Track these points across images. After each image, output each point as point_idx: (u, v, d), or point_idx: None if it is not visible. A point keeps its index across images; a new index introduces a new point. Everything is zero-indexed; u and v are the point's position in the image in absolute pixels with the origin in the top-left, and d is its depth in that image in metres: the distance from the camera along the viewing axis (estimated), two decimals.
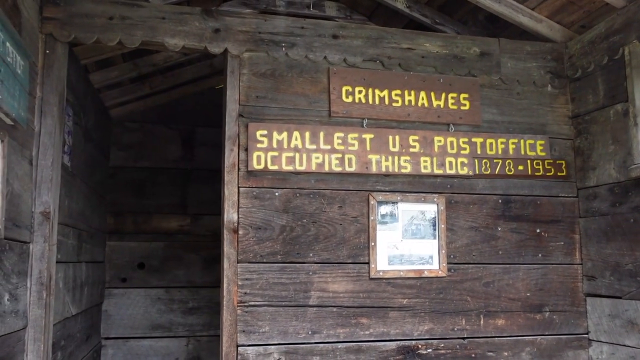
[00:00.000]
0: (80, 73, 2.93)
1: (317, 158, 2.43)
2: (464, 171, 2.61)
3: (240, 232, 2.30)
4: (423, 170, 2.56)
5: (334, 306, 2.39)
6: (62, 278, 2.51)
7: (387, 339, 2.45)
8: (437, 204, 2.59)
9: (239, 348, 2.23)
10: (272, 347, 2.28)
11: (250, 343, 2.25)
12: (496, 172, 2.66)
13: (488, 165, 2.66)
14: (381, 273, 2.47)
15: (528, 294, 2.65)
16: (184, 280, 4.01)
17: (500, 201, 2.68)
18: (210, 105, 3.92)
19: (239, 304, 2.25)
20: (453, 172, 2.60)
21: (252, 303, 2.27)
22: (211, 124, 3.99)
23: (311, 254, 2.40)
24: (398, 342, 2.46)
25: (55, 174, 2.15)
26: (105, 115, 3.78)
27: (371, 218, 2.48)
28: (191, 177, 4.13)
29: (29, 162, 2.02)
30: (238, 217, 2.31)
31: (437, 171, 2.58)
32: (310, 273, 2.39)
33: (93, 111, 3.28)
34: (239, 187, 2.33)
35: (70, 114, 2.65)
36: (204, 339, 3.99)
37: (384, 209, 2.53)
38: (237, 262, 2.27)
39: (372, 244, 2.46)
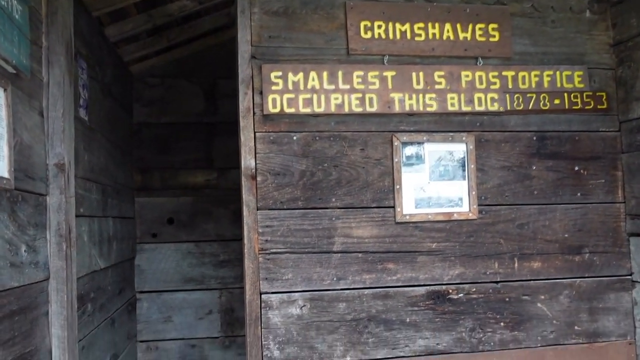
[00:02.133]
0: (93, 26, 2.85)
1: (336, 99, 2.31)
2: (495, 107, 2.45)
3: (259, 178, 2.22)
4: (450, 108, 2.41)
5: (359, 252, 2.31)
6: (86, 232, 2.51)
7: (416, 284, 2.37)
8: (466, 143, 2.45)
9: (262, 296, 2.19)
10: (296, 294, 2.23)
11: (273, 290, 2.21)
12: (530, 108, 2.49)
13: (521, 100, 2.49)
14: (408, 217, 2.37)
15: (566, 235, 2.51)
16: (213, 234, 4.01)
17: (534, 138, 2.51)
18: (231, 57, 3.80)
19: (260, 252, 2.19)
20: (482, 108, 2.44)
21: (274, 250, 2.21)
22: (233, 76, 3.88)
23: (333, 199, 2.31)
24: (427, 287, 2.38)
25: (67, 126, 2.10)
26: (125, 71, 3.72)
27: (395, 160, 2.36)
28: (215, 131, 4.07)
29: (39, 114, 1.97)
30: (256, 163, 2.23)
31: (465, 108, 2.42)
32: (334, 219, 2.30)
33: (111, 66, 3.22)
34: (255, 132, 2.24)
35: (84, 67, 2.59)
36: (237, 291, 4.00)
37: (409, 150, 2.40)
38: (257, 210, 2.20)
39: (397, 187, 2.36)
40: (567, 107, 2.52)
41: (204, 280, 3.98)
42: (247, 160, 2.21)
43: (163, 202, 3.97)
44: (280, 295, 2.21)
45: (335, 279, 2.28)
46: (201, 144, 4.05)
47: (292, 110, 2.26)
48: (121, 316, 3.31)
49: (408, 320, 2.33)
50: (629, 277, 2.55)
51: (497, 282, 2.44)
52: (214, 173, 4.06)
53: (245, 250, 2.18)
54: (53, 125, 2.02)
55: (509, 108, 2.46)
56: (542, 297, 2.47)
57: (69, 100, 2.15)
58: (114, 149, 3.23)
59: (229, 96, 4.09)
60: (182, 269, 3.95)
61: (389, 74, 2.37)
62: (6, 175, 1.63)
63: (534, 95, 2.49)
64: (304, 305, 2.23)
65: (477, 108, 2.43)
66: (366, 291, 2.31)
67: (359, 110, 2.33)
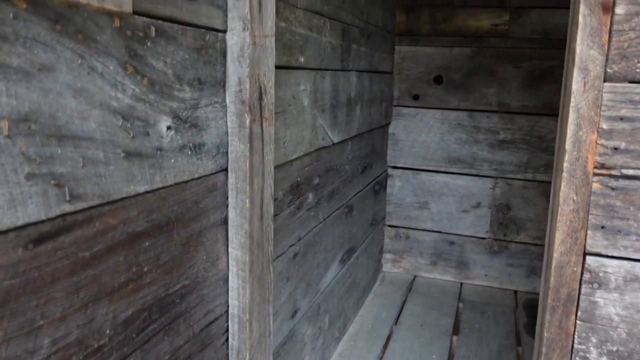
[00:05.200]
0: None
1: None
2: None
3: (619, 10, 1.03)
4: None
5: None
6: (307, 92, 1.70)
7: None
8: None
9: (588, 259, 1.12)
10: None
11: (614, 254, 1.11)
12: None
13: None
14: None
15: None
16: (494, 102, 2.91)
17: None
18: None
19: (597, 170, 1.08)
20: None
21: (629, 172, 1.07)
22: None
23: None
24: None
25: None
26: None
27: None
28: None
29: None
30: None
31: None
32: None
33: None
34: None
35: None
36: (517, 183, 2.94)
37: None
38: (604, 80, 1.05)
39: None
40: None
41: (475, 164, 2.99)
42: None
43: (431, 53, 2.96)
44: (628, 264, 1.11)
45: None
46: None
47: None
48: (364, 200, 2.60)
49: None
50: None
51: None
52: (505, 15, 2.83)
53: (564, 160, 1.09)
54: None
55: None
56: None
57: None
58: None
59: None
60: (447, 144, 3.01)
61: None
62: None
63: None
64: None
65: None
66: None
67: None
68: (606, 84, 1.03)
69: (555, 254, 1.10)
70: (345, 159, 2.21)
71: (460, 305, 2.86)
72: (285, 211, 1.63)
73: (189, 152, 1.09)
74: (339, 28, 1.97)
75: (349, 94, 2.16)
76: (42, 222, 0.75)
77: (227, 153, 1.23)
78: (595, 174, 1.07)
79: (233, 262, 1.26)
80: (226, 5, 1.17)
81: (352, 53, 2.16)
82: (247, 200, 1.22)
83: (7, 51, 0.68)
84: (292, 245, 1.71)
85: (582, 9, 1.00)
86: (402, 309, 2.78)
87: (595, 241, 1.09)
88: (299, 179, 1.72)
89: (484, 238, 3.05)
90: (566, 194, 1.07)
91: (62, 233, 0.79)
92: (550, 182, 2.88)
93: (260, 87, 1.24)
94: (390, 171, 3.13)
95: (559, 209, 1.07)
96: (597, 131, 1.04)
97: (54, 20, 0.74)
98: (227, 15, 1.17)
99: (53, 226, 0.77)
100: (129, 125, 0.91)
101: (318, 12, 1.74)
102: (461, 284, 3.12)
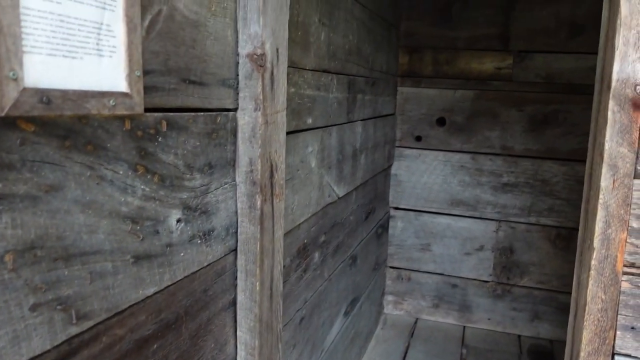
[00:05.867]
0: None
1: None
2: None
3: None
4: None
5: None
6: (315, 153, 1.66)
7: None
8: None
9: (617, 359, 1.07)
10: None
11: None
12: None
13: None
14: None
15: None
16: (497, 144, 2.88)
17: None
18: None
19: (627, 269, 1.04)
20: None
21: None
22: None
23: None
24: None
25: None
26: None
27: None
28: None
29: None
30: None
31: None
32: None
33: None
34: None
35: None
36: (521, 227, 2.90)
37: None
38: (634, 177, 1.01)
39: None
40: None
41: (478, 206, 2.95)
42: (628, 62, 0.99)
43: (433, 95, 2.94)
44: None
45: None
46: (496, 13, 2.80)
47: None
48: (367, 246, 2.55)
49: None
50: None
51: None
52: (509, 58, 2.82)
53: (591, 258, 1.05)
54: None
55: None
56: None
57: None
58: (372, 20, 2.25)
59: None
60: (450, 186, 2.98)
61: None
62: (123, 86, 0.78)
63: None
64: None
65: None
66: None
67: None
68: (636, 181, 0.99)
69: (582, 353, 1.05)
70: (350, 210, 2.17)
71: (464, 351, 2.81)
72: (292, 277, 1.58)
73: (199, 241, 1.04)
74: (345, 81, 1.94)
75: (354, 145, 2.13)
76: (47, 352, 0.70)
77: (236, 233, 1.18)
78: (624, 273, 1.03)
79: (242, 347, 1.20)
80: (237, 84, 1.13)
81: (358, 104, 2.13)
82: (257, 282, 1.17)
83: (14, 179, 0.63)
84: (298, 310, 1.65)
85: (612, 105, 0.96)
86: (405, 356, 2.72)
87: (625, 342, 1.05)
88: (305, 240, 1.67)
89: (487, 281, 3.00)
90: (594, 292, 1.02)
91: (68, 358, 0.73)
92: (554, 227, 2.85)
93: (272, 165, 1.19)
94: (392, 212, 3.09)
95: (587, 307, 1.03)
96: (627, 229, 1.01)
97: (64, 137, 0.70)
98: (238, 94, 1.13)
99: (58, 353, 0.72)
100: (138, 228, 0.86)
101: (325, 70, 1.71)
102: (464, 327, 3.06)
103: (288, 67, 1.42)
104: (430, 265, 3.07)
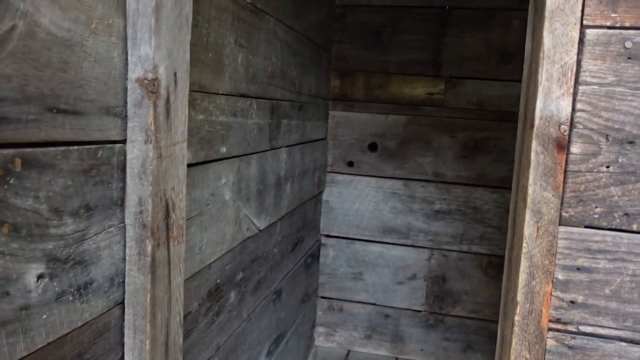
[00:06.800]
0: None
1: None
2: None
3: (575, 149, 0.93)
4: None
5: None
6: (230, 185, 1.52)
7: None
8: None
9: None
10: None
11: None
12: None
13: None
14: None
15: None
16: (430, 171, 2.83)
17: None
18: None
19: (553, 324, 0.96)
20: None
21: (587, 330, 0.95)
22: None
23: None
24: None
25: (172, 1, 1.02)
26: None
27: None
28: (449, 21, 2.73)
29: None
30: (573, 110, 0.93)
31: None
32: None
33: None
34: (582, 28, 0.91)
35: None
36: (453, 255, 2.86)
37: None
38: (559, 224, 0.93)
39: None
40: None
41: (410, 234, 2.89)
42: (551, 100, 0.92)
43: (366, 119, 2.87)
44: None
45: None
46: (428, 39, 2.77)
47: None
48: (294, 278, 2.42)
49: None
50: None
51: None
52: (441, 84, 2.79)
53: (516, 315, 0.96)
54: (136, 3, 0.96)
55: None
56: None
57: None
58: (298, 42, 2.15)
59: None
60: (382, 213, 2.90)
61: None
62: None
63: None
64: None
65: None
66: None
67: None
68: (561, 229, 0.92)
69: None
70: (274, 242, 2.03)
71: None
72: (201, 323, 1.42)
73: (71, 298, 0.88)
74: (268, 106, 1.82)
75: (279, 173, 2.00)
76: None
77: (123, 283, 1.02)
78: (550, 329, 0.94)
79: None
80: (125, 112, 0.98)
81: (282, 129, 2.01)
82: (148, 340, 1.02)
83: None
84: (209, 358, 1.49)
85: (535, 145, 0.89)
86: None
87: None
88: (218, 281, 1.52)
89: (419, 311, 2.93)
90: (518, 351, 0.93)
91: None
92: (486, 255, 2.82)
93: (167, 204, 1.05)
94: (323, 240, 2.98)
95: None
96: (552, 282, 0.93)
97: None
98: (126, 124, 0.98)
99: None
100: None
101: (244, 94, 1.59)
102: (396, 359, 2.97)
103: (196, 92, 1.28)
104: (363, 294, 2.97)
